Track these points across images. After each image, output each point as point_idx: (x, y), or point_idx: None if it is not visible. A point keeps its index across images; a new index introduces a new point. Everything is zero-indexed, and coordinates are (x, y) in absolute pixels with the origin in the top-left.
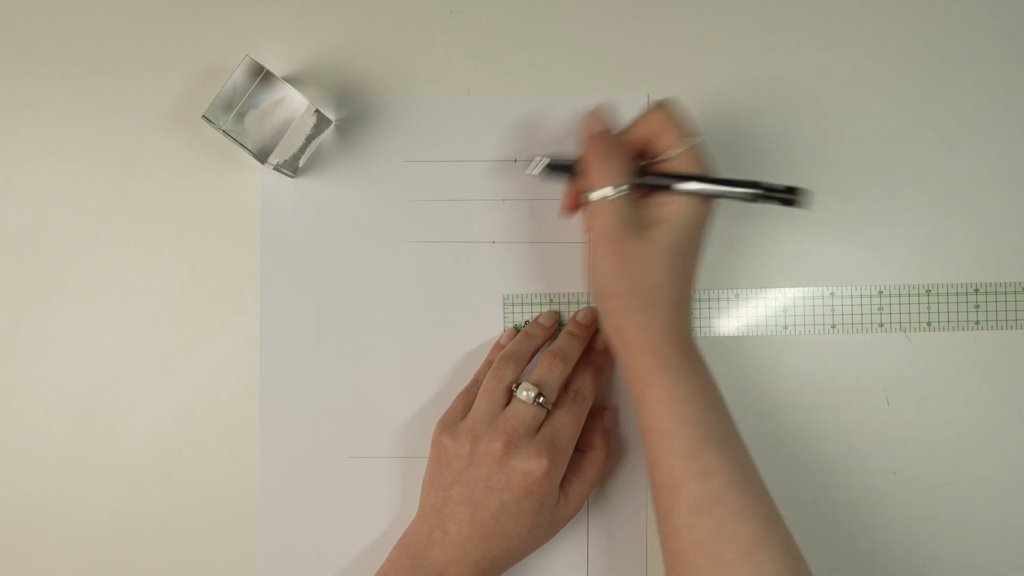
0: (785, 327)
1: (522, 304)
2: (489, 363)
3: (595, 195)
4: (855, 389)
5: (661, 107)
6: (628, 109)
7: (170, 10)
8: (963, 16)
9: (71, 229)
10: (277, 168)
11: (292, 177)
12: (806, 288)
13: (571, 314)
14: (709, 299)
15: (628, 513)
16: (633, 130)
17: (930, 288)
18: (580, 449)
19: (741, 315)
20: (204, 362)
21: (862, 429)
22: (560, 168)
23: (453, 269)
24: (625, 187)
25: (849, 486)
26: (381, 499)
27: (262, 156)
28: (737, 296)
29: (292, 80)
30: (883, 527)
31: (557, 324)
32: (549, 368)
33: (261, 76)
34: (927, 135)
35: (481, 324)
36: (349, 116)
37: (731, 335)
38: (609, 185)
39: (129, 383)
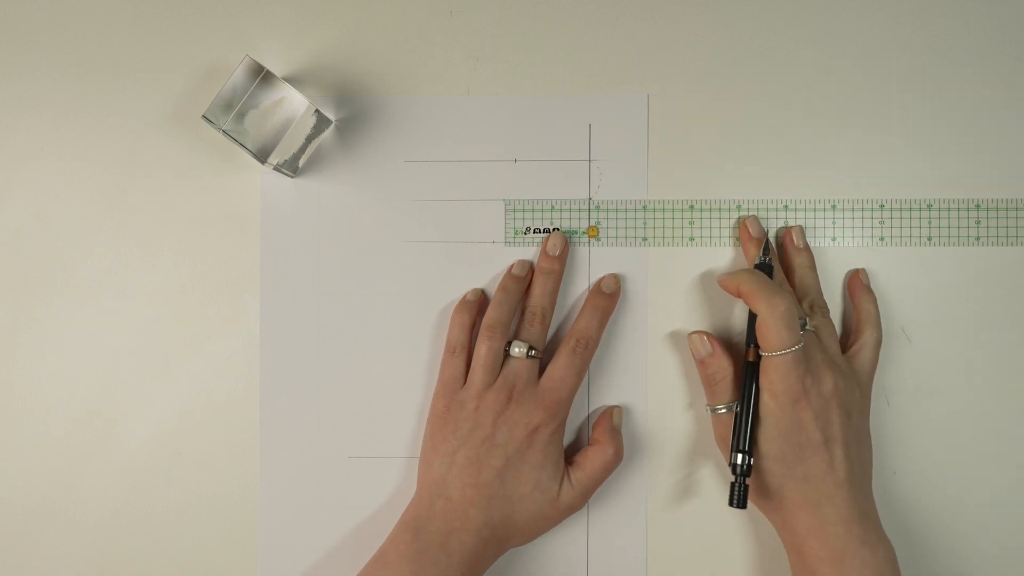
0: None
1: (524, 211)
2: (459, 320)
3: (776, 355)
4: None
5: (870, 299)
6: (628, 109)
7: (170, 10)
8: (963, 16)
9: (71, 229)
10: (277, 168)
11: (292, 177)
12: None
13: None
14: (708, 299)
15: (629, 514)
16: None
17: (931, 203)
18: (589, 444)
19: (741, 314)
20: (204, 362)
21: None
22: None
23: (453, 269)
24: (795, 350)
25: None
26: (381, 499)
27: (262, 156)
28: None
29: (292, 80)
30: (884, 526)
31: (531, 269)
32: (530, 324)
33: (261, 76)
34: (927, 135)
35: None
36: (349, 116)
37: (731, 335)
38: (790, 347)
39: (129, 383)
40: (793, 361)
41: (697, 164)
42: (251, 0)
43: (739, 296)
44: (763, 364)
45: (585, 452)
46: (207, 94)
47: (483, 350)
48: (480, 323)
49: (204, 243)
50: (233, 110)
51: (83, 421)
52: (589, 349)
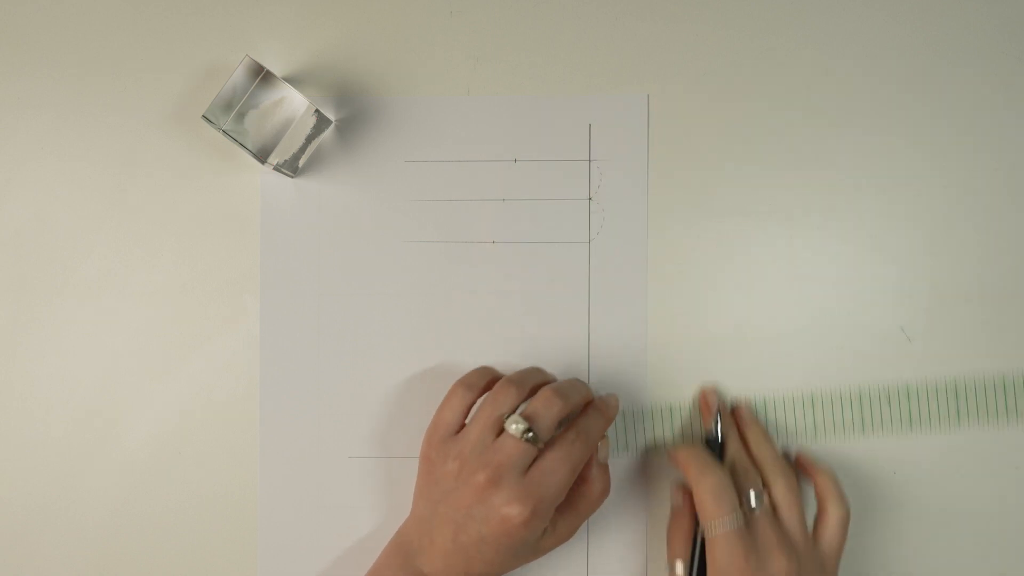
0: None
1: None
2: (484, 370)
3: (717, 528)
4: (855, 389)
5: (826, 473)
6: (628, 109)
7: (170, 10)
8: (963, 16)
9: (71, 229)
10: (277, 168)
11: (292, 177)
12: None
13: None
14: (709, 299)
15: (628, 514)
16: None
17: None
18: (579, 488)
19: (741, 314)
20: (204, 362)
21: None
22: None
23: (453, 269)
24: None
25: (849, 486)
26: (381, 499)
27: (262, 156)
28: (737, 296)
29: (292, 80)
30: (883, 527)
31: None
32: (545, 403)
33: (261, 76)
34: (927, 135)
35: (481, 324)
36: (349, 116)
37: (731, 335)
38: (724, 518)
39: (129, 383)
40: (734, 538)
41: (697, 164)
42: (251, 0)
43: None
44: (707, 539)
45: (570, 493)
46: (207, 94)
47: (486, 411)
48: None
49: (204, 243)
50: (233, 110)
51: (83, 421)
52: (588, 446)
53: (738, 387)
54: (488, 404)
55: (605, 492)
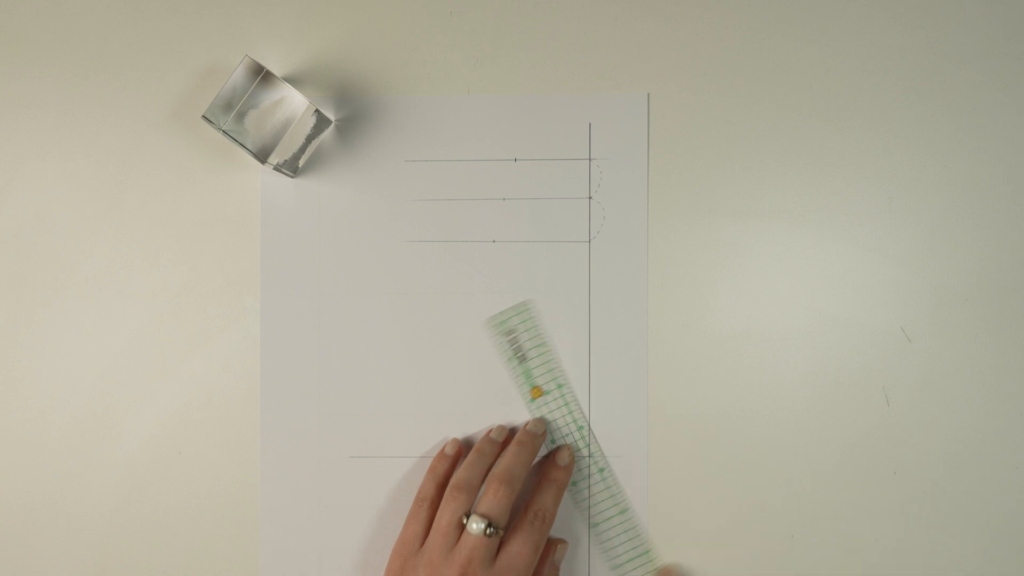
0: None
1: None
2: (433, 474)
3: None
4: (855, 389)
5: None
6: (628, 108)
7: (170, 10)
8: (963, 16)
9: (71, 229)
10: (277, 168)
11: (292, 177)
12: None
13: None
14: (709, 299)
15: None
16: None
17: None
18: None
19: (741, 314)
20: (204, 362)
21: (862, 429)
22: None
23: (453, 269)
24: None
25: (849, 486)
26: (381, 499)
27: (262, 156)
28: (737, 296)
29: (292, 80)
30: (883, 527)
31: (510, 436)
32: (495, 496)
33: (261, 76)
34: (927, 135)
35: (481, 324)
36: (349, 116)
37: (731, 335)
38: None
39: (129, 383)
40: None
41: (697, 164)
42: (251, 0)
43: None
44: None
45: None
46: (207, 94)
47: (446, 515)
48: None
49: (204, 243)
50: (233, 110)
51: (83, 421)
52: (546, 524)
53: (738, 387)
54: (445, 508)
55: None
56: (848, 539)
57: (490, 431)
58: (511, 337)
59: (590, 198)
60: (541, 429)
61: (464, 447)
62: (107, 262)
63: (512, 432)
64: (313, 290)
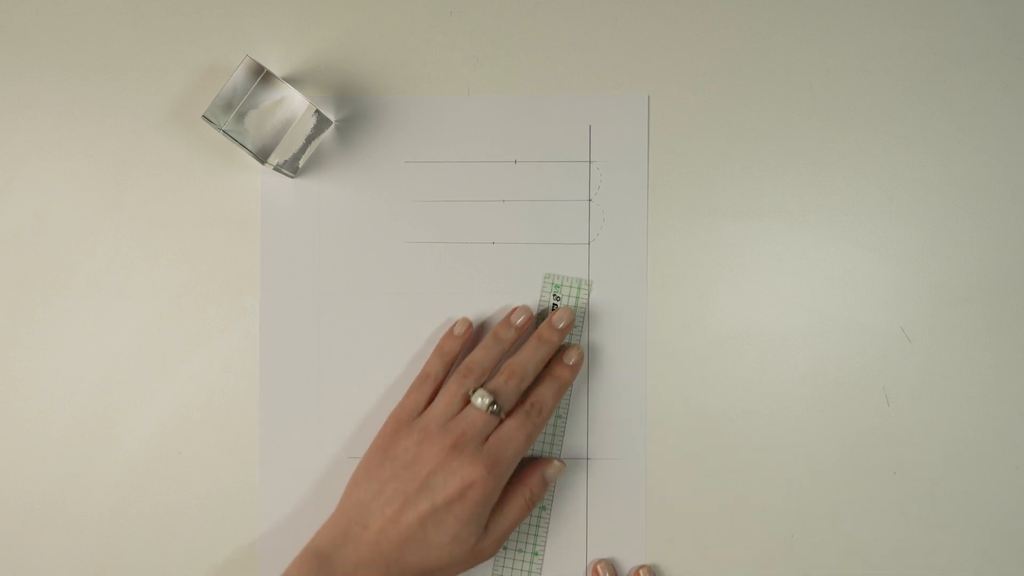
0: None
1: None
2: (440, 352)
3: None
4: (855, 389)
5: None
6: (629, 110)
7: (170, 10)
8: (963, 16)
9: (71, 229)
10: (277, 168)
11: (292, 177)
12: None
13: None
14: (709, 299)
15: (627, 513)
16: None
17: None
18: (515, 486)
19: (741, 314)
20: (204, 362)
21: (862, 429)
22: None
23: (453, 270)
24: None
25: (849, 486)
26: None
27: (262, 156)
28: (737, 296)
29: (292, 80)
30: (883, 527)
31: (531, 323)
32: (506, 380)
33: (261, 76)
34: (927, 135)
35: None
36: (349, 116)
37: (731, 335)
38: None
39: (129, 383)
40: None
41: (697, 164)
42: (251, 0)
43: None
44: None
45: (506, 495)
46: (207, 94)
47: (452, 388)
48: (461, 358)
49: (204, 243)
50: (233, 110)
51: (83, 421)
52: (542, 416)
53: (738, 387)
54: (454, 382)
55: (535, 500)
56: (848, 539)
57: (511, 313)
58: (556, 299)
59: (590, 200)
60: (564, 322)
61: (474, 330)
62: (107, 262)
63: (534, 318)
64: (313, 290)
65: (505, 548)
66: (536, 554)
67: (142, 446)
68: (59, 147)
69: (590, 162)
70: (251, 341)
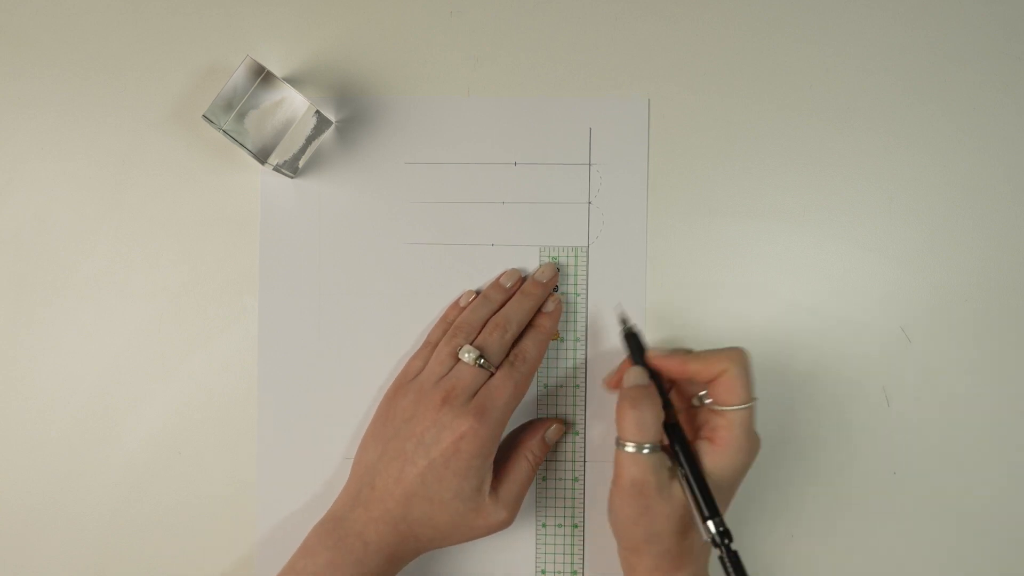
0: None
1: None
2: (443, 321)
3: (628, 448)
4: (855, 389)
5: (740, 357)
6: (629, 112)
7: (170, 10)
8: (963, 16)
9: (71, 229)
10: (277, 168)
11: (292, 177)
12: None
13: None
14: (709, 299)
15: None
16: (694, 360)
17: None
18: (517, 450)
19: (741, 315)
20: (203, 362)
21: (862, 429)
22: (631, 345)
23: (453, 271)
24: (650, 447)
25: (849, 486)
26: None
27: (262, 156)
28: (737, 296)
29: (292, 80)
30: (883, 527)
31: (520, 283)
32: (490, 333)
33: (261, 76)
34: (927, 135)
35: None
36: (349, 116)
37: (731, 335)
38: (640, 442)
39: (129, 383)
40: (751, 415)
41: (697, 164)
42: (251, 0)
43: (685, 374)
44: (724, 419)
45: (510, 463)
46: (207, 94)
47: (443, 348)
48: None
49: (204, 243)
50: (233, 110)
51: (83, 421)
52: (528, 364)
53: None
54: (444, 342)
55: (537, 462)
56: (848, 539)
57: (500, 276)
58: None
59: (589, 203)
60: (548, 276)
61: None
62: (107, 262)
63: (524, 279)
64: (312, 290)
65: (544, 525)
66: (575, 526)
67: (142, 446)
68: (59, 147)
69: (590, 164)
70: (250, 341)
